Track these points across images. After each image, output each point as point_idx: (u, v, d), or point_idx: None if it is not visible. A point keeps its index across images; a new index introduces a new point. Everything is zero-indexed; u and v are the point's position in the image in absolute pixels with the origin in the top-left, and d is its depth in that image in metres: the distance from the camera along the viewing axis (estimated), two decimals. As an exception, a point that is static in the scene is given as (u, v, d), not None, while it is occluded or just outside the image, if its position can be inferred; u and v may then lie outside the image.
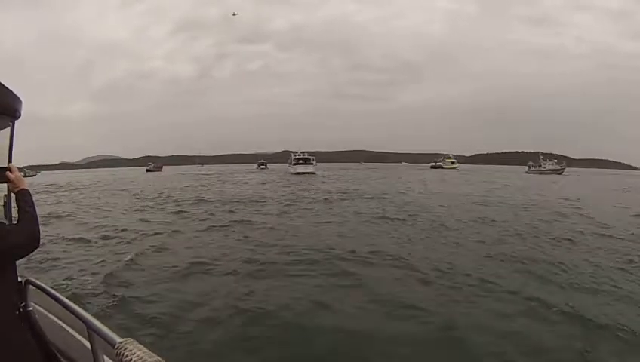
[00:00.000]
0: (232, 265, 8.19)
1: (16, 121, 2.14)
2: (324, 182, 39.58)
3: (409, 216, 15.39)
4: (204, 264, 8.33)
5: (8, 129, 2.15)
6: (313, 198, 23.30)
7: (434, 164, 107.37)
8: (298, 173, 58.05)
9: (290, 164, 68.59)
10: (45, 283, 2.03)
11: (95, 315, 1.58)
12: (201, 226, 13.37)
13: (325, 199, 22.74)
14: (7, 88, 1.90)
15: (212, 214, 16.53)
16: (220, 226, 13.29)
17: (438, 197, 24.25)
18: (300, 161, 64.86)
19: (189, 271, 7.81)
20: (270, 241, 10.63)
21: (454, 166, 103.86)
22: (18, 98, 2.05)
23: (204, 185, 36.66)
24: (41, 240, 1.68)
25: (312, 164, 64.58)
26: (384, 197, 23.28)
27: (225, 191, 29.35)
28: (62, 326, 2.23)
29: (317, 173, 61.82)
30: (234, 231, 12.34)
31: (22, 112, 2.11)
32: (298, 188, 32.14)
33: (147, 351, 1.18)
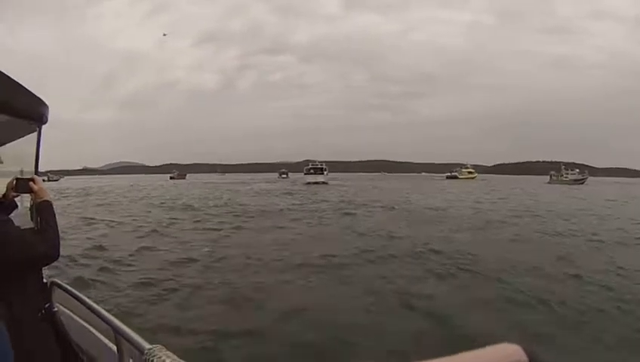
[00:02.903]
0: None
1: (43, 126, 2.18)
2: (329, 192, 39.06)
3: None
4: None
5: (35, 134, 2.18)
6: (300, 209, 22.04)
7: (449, 174, 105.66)
8: (309, 183, 58.39)
9: (305, 173, 69.21)
10: (71, 286, 2.10)
11: (123, 320, 1.62)
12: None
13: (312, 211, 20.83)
14: (32, 94, 1.95)
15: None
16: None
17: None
18: (312, 171, 65.10)
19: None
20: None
21: (472, 176, 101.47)
22: (44, 103, 2.09)
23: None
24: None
25: (322, 173, 64.22)
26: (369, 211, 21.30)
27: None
28: (88, 329, 2.21)
29: (330, 183, 61.68)
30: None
31: (48, 117, 2.15)
32: (290, 199, 30.80)
33: (177, 358, 1.19)
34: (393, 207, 22.78)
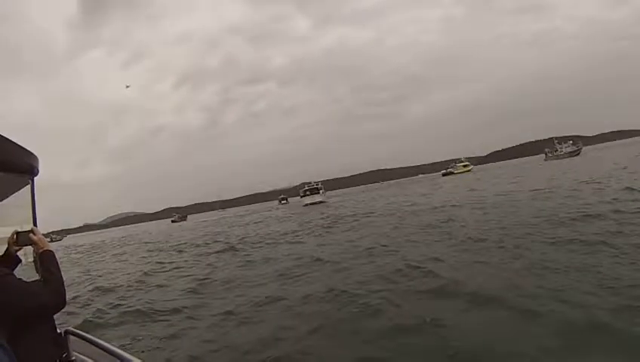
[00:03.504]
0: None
1: (36, 179, 2.20)
2: (322, 212, 38.28)
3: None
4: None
5: (28, 187, 2.21)
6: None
7: (445, 171, 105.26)
8: (307, 205, 58.19)
9: (301, 196, 68.98)
10: (87, 332, 2.10)
11: (141, 358, 1.62)
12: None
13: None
14: (21, 147, 1.97)
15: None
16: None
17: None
18: (308, 193, 64.99)
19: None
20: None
21: (467, 169, 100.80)
22: (34, 155, 2.11)
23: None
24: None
25: (318, 193, 64.23)
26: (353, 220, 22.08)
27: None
28: None
29: (327, 201, 61.67)
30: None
31: (40, 169, 2.17)
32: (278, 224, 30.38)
33: None
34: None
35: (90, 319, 8.06)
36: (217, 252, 17.04)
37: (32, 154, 2.08)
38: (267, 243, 17.57)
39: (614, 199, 13.35)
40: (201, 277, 11.30)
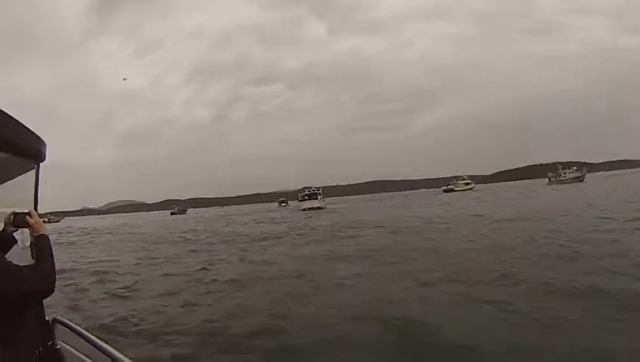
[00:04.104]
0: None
1: (41, 164, 2.20)
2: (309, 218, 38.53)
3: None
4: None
5: (33, 172, 2.21)
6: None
7: (446, 187, 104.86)
8: (304, 209, 57.70)
9: (299, 200, 68.81)
10: (74, 322, 2.09)
11: (128, 355, 1.61)
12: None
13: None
14: (31, 131, 1.96)
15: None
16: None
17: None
18: (306, 197, 64.61)
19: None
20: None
21: (469, 187, 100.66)
22: (42, 141, 2.11)
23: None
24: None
25: (317, 198, 63.61)
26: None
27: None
28: None
29: (328, 207, 61.37)
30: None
31: (47, 155, 2.17)
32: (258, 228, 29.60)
33: None
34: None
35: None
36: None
37: (41, 139, 2.08)
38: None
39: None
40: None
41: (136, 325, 6.52)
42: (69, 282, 10.33)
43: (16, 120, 1.81)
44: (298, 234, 21.49)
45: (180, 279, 10.48)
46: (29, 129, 1.92)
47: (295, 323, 6.25)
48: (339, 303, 7.22)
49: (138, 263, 14.06)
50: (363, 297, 7.53)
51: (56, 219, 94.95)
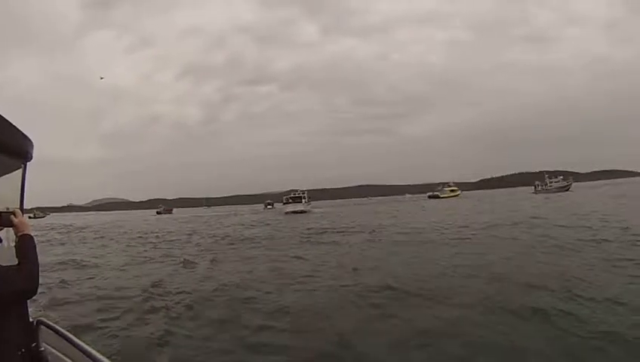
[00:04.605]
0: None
1: (28, 163, 2.18)
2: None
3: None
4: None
5: (20, 171, 2.17)
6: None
7: (431, 193, 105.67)
8: (288, 213, 57.47)
9: (283, 203, 68.48)
10: (59, 324, 2.05)
11: (111, 358, 1.60)
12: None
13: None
14: (18, 130, 1.92)
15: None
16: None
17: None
18: (290, 200, 64.48)
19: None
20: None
21: (455, 194, 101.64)
22: (29, 140, 2.07)
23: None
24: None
25: (301, 202, 63.64)
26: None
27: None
28: None
29: (310, 210, 61.34)
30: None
31: (33, 154, 2.14)
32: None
33: None
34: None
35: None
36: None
37: (27, 138, 2.05)
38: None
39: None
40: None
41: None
42: None
43: (3, 117, 1.78)
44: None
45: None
46: (15, 127, 1.89)
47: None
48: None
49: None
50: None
51: (41, 214, 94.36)
